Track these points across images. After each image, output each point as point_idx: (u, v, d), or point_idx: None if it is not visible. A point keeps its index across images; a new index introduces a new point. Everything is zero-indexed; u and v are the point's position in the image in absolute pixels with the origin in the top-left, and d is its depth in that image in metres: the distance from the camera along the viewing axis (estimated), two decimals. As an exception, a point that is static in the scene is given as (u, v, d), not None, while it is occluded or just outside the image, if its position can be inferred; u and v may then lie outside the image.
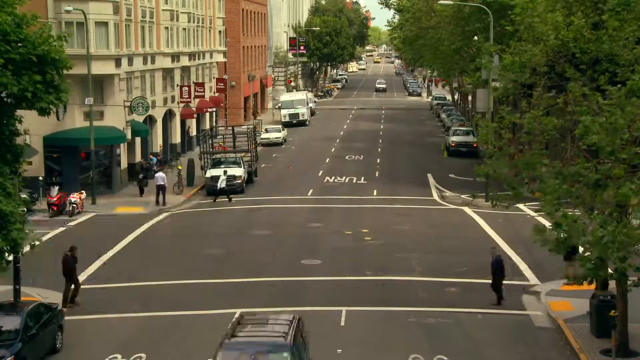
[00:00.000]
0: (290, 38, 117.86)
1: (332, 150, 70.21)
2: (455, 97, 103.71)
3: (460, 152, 66.04)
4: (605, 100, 22.73)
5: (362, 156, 66.19)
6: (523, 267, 32.88)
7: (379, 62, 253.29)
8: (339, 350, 23.87)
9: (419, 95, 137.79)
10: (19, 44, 22.01)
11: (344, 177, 56.44)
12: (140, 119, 53.58)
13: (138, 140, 54.37)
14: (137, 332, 25.76)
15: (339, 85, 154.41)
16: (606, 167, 21.69)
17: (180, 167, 53.99)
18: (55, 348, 23.90)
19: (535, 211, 38.28)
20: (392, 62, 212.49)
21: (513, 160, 25.88)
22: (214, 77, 77.08)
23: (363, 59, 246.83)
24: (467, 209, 45.28)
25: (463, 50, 59.69)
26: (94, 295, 29.71)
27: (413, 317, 26.80)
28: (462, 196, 48.32)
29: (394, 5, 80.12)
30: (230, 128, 62.40)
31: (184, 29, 64.65)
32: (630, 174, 21.28)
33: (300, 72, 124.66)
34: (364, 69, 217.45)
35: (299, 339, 19.89)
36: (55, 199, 43.22)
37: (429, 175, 56.62)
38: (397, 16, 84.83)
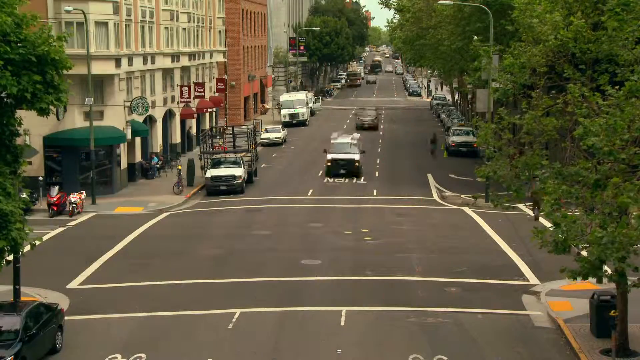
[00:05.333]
0: (290, 38, 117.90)
1: (332, 150, 70.10)
2: (455, 97, 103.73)
3: (460, 152, 66.09)
4: (605, 100, 22.75)
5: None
6: (523, 267, 32.90)
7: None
8: (339, 350, 23.88)
9: (419, 95, 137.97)
10: (19, 44, 22.01)
11: (344, 177, 56.43)
12: (140, 119, 53.60)
13: (138, 140, 54.39)
14: (137, 332, 25.77)
15: (339, 85, 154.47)
16: (605, 167, 21.70)
17: (180, 167, 54.02)
18: (55, 348, 23.90)
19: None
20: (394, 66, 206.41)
21: (513, 160, 25.91)
22: (214, 77, 77.08)
23: (363, 59, 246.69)
24: (467, 209, 45.30)
25: (463, 50, 59.68)
26: (94, 295, 29.72)
27: (413, 317, 26.81)
28: (462, 196, 48.36)
29: (394, 5, 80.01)
30: (230, 128, 62.41)
31: (184, 29, 64.66)
32: (630, 174, 21.28)
33: (300, 72, 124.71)
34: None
35: None
36: (55, 199, 43.23)
37: (429, 175, 56.65)
38: (397, 16, 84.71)
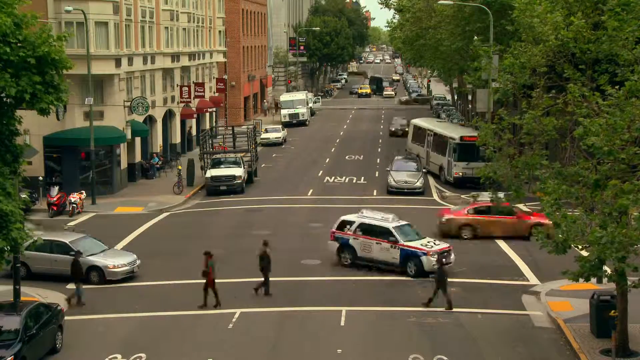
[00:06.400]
0: (290, 38, 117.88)
1: (332, 150, 70.24)
2: (455, 97, 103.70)
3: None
4: (605, 100, 22.75)
5: (362, 156, 66.21)
6: (523, 267, 32.90)
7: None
8: (339, 350, 23.90)
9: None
10: (19, 45, 21.98)
11: (343, 177, 56.44)
12: (140, 119, 53.59)
13: (138, 140, 54.39)
14: (137, 332, 25.78)
15: (339, 85, 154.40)
16: (605, 167, 21.70)
17: (180, 167, 54.00)
18: (55, 348, 23.92)
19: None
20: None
21: (513, 160, 25.92)
22: (214, 77, 77.08)
23: (363, 59, 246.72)
24: (467, 209, 45.18)
25: (463, 50, 59.70)
26: (94, 295, 29.70)
27: (413, 317, 26.82)
28: (462, 196, 48.31)
29: (394, 5, 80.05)
30: (230, 128, 62.43)
31: (184, 29, 64.65)
32: (630, 174, 21.28)
33: (300, 72, 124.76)
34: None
35: None
36: (55, 199, 43.23)
37: (429, 175, 56.58)
38: (397, 16, 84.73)
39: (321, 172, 58.78)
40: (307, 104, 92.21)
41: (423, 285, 30.33)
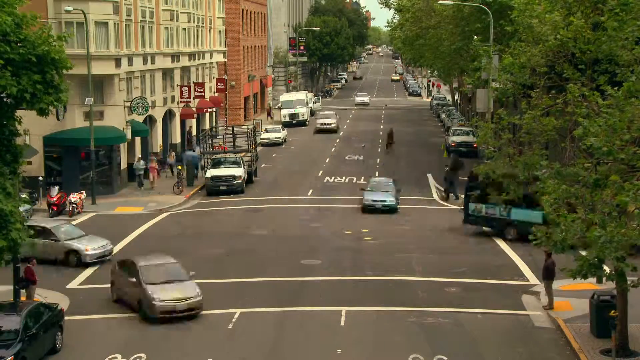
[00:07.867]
0: (290, 38, 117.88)
1: (332, 150, 70.22)
2: (456, 97, 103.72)
3: (460, 152, 66.06)
4: (605, 100, 22.75)
5: (362, 156, 66.19)
6: (523, 267, 32.90)
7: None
8: (339, 350, 23.90)
9: (419, 95, 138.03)
10: (19, 44, 22.01)
11: (343, 177, 56.43)
12: (140, 119, 53.59)
13: (138, 140, 54.38)
14: (137, 332, 25.77)
15: (339, 85, 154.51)
16: (605, 167, 21.70)
17: (180, 167, 54.00)
18: (55, 348, 23.92)
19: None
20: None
21: (512, 160, 25.94)
22: (214, 77, 77.05)
23: (364, 58, 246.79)
24: (467, 209, 45.18)
25: (463, 50, 59.74)
26: (94, 296, 29.71)
27: (413, 317, 26.82)
28: (462, 196, 48.29)
29: (394, 5, 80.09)
30: (230, 128, 62.44)
31: (184, 29, 64.63)
32: (629, 174, 21.27)
33: (300, 72, 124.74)
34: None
35: None
36: (55, 199, 43.23)
37: (429, 175, 56.62)
38: (397, 16, 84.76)
39: (321, 172, 58.77)
40: (307, 104, 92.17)
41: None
